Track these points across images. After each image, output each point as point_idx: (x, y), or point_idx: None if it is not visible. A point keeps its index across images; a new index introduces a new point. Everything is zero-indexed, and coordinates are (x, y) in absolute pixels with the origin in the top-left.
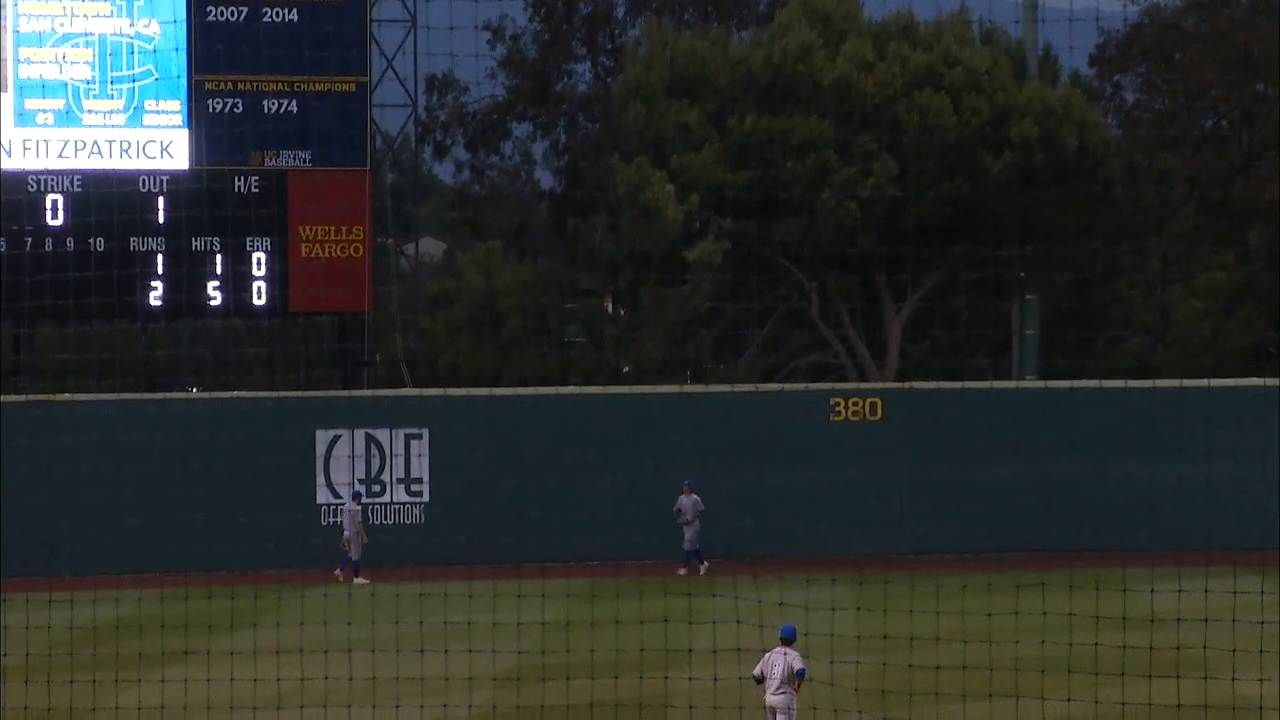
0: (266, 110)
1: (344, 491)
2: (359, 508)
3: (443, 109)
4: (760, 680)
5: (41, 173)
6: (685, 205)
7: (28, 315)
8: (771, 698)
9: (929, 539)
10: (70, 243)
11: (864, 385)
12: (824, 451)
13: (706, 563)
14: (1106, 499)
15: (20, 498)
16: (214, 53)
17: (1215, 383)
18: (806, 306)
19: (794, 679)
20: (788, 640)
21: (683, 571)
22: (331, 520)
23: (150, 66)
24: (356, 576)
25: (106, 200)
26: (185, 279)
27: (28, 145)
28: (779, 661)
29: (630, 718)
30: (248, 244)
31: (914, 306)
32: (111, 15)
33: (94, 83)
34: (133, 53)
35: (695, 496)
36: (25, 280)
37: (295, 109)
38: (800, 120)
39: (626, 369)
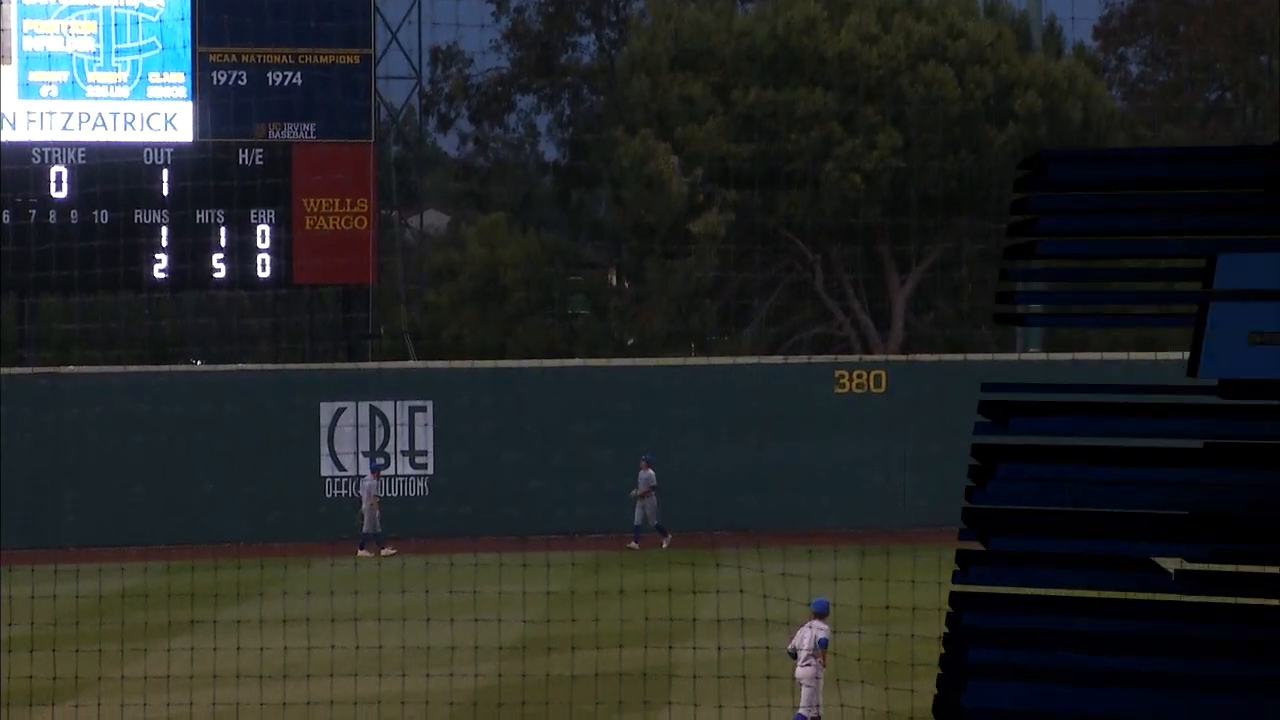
0: (271, 82)
1: (349, 463)
2: (376, 481)
3: (447, 81)
4: (794, 655)
5: (46, 144)
6: (689, 177)
7: (32, 287)
8: (799, 669)
9: (933, 512)
10: (74, 215)
11: (868, 357)
12: (828, 424)
13: (636, 544)
14: None
15: (25, 469)
16: (218, 24)
17: None
18: (810, 279)
19: (818, 650)
20: (820, 614)
21: (635, 545)
22: (336, 492)
23: (154, 38)
24: (361, 549)
25: (111, 172)
26: (190, 251)
27: (32, 117)
28: (808, 634)
29: (635, 687)
30: (252, 216)
31: (918, 279)
32: None
33: (98, 55)
34: (137, 25)
35: (650, 472)
36: (30, 252)
37: (300, 81)
38: (804, 92)
39: (630, 341)
